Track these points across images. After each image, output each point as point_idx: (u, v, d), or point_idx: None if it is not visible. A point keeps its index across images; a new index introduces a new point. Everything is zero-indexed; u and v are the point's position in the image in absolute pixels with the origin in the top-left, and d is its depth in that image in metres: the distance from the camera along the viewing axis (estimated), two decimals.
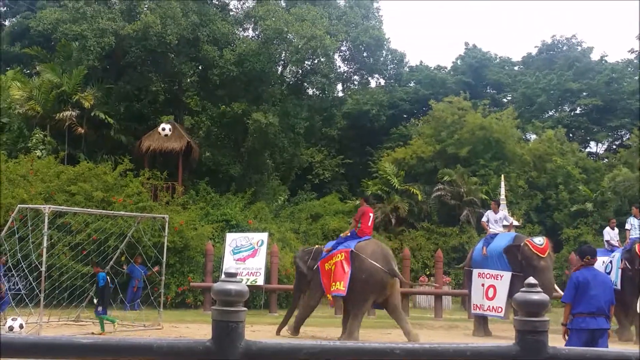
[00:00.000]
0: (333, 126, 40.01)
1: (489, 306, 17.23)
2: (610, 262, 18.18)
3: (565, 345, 8.88)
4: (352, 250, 15.39)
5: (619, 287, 17.38)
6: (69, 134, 29.38)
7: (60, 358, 3.14)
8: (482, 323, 17.84)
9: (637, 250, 17.45)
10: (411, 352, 3.32)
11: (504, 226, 19.01)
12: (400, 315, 15.74)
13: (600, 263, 16.97)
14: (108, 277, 16.46)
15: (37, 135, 28.54)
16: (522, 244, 16.67)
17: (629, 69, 41.37)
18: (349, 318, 15.55)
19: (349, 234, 16.06)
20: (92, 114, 29.92)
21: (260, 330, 16.76)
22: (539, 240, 16.83)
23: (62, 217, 20.38)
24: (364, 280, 15.04)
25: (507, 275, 16.90)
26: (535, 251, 16.35)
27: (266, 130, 30.82)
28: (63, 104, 29.45)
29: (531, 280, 3.70)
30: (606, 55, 43.81)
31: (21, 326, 14.67)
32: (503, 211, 20.14)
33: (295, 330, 16.19)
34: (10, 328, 14.23)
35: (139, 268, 21.26)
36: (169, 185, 28.88)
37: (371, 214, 16.24)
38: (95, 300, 16.44)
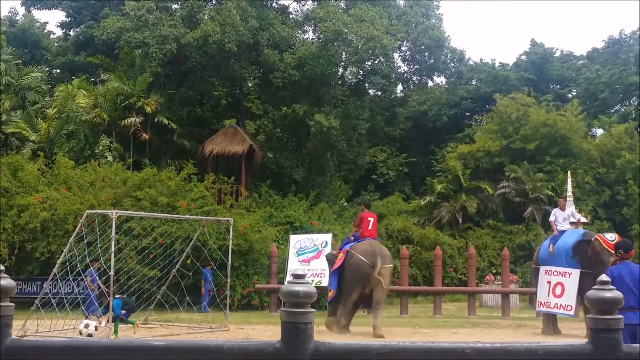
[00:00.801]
0: (395, 126, 39.87)
1: (557, 304, 16.96)
2: None
3: None
4: (348, 250, 17.25)
5: None
6: (134, 141, 29.88)
7: None
8: (551, 321, 17.58)
9: None
10: (482, 351, 3.28)
11: (572, 223, 18.70)
12: (378, 311, 17.06)
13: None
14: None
15: (103, 141, 29.07)
16: (592, 239, 16.39)
17: None
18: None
19: (352, 238, 17.77)
20: (156, 120, 30.39)
21: (326, 330, 16.78)
22: (611, 236, 16.50)
23: (129, 222, 20.69)
24: (351, 272, 17.00)
25: (575, 273, 16.62)
26: (606, 246, 16.03)
27: (328, 132, 30.86)
28: (127, 111, 29.96)
29: (604, 277, 3.63)
30: None
31: (96, 328, 15.01)
32: (570, 208, 19.85)
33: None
34: (85, 331, 14.70)
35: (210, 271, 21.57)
36: (233, 188, 29.13)
37: (370, 218, 17.77)
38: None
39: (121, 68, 31.93)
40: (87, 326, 14.96)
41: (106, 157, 27.93)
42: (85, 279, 18.52)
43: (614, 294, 3.50)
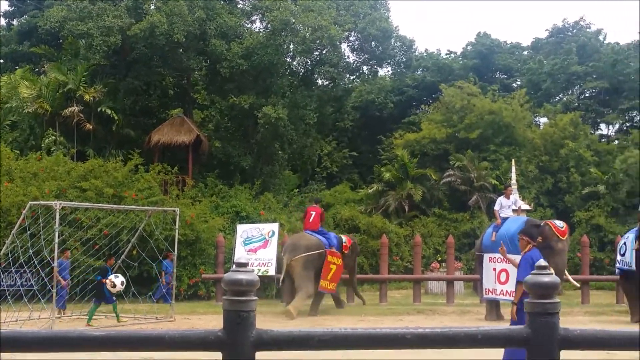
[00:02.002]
0: (344, 116, 39.95)
1: (502, 290, 17.20)
2: (625, 243, 18.10)
3: (513, 324, 9.11)
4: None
5: (633, 268, 17.35)
6: (77, 131, 29.47)
7: (72, 351, 3.15)
8: (494, 307, 17.86)
9: None
10: (423, 336, 3.31)
11: (514, 210, 19.01)
12: (297, 295, 18.68)
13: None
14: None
15: (50, 135, 28.60)
16: (542, 224, 16.66)
17: (635, 50, 41.08)
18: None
19: None
20: (99, 110, 30.00)
21: (272, 320, 16.82)
22: (560, 223, 16.89)
23: (74, 214, 20.44)
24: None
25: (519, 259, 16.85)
26: (555, 232, 16.36)
27: (276, 124, 30.77)
28: (69, 101, 29.52)
29: (542, 262, 3.69)
30: (606, 40, 43.33)
31: (122, 283, 16.29)
32: (514, 196, 20.13)
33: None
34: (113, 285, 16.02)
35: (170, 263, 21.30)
36: (179, 178, 28.94)
37: (313, 212, 19.78)
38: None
39: (65, 58, 31.43)
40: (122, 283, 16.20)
41: (52, 152, 27.39)
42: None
43: (552, 278, 3.56)
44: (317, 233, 19.55)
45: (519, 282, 9.52)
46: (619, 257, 18.39)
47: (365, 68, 37.29)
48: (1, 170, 24.02)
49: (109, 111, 30.10)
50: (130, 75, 32.45)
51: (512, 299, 16.96)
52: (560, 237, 16.43)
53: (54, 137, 28.56)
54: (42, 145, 28.29)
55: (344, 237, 20.67)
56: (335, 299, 20.77)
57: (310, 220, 19.55)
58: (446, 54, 47.55)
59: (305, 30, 30.59)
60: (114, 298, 17.05)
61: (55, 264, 16.28)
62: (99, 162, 25.38)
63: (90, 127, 29.59)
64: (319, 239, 19.25)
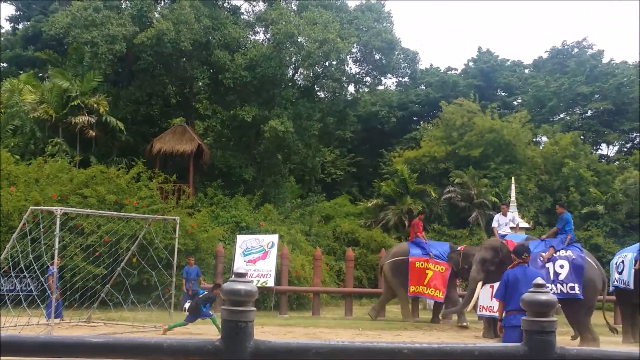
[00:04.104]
0: (346, 128, 40.03)
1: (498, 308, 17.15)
2: (623, 261, 18.02)
3: (505, 339, 9.37)
4: None
5: (631, 287, 17.28)
6: (80, 138, 29.47)
7: (71, 357, 3.17)
8: (491, 325, 17.80)
9: None
10: (419, 352, 3.34)
11: (511, 228, 19.02)
12: None
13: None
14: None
15: (56, 142, 28.52)
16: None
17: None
18: None
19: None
20: (103, 119, 30.00)
21: (270, 331, 16.81)
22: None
23: (75, 220, 20.46)
24: None
25: None
26: None
27: (282, 136, 30.69)
28: (76, 109, 29.48)
29: (539, 280, 3.72)
30: (613, 61, 43.41)
31: None
32: (512, 213, 20.17)
33: None
34: None
35: (194, 269, 21.26)
36: (177, 187, 28.95)
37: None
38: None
39: (69, 64, 31.43)
40: None
41: (56, 159, 27.25)
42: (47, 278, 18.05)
43: (548, 297, 3.58)
44: (411, 242, 21.75)
45: (496, 298, 9.70)
46: (616, 275, 18.30)
47: (368, 79, 37.28)
48: (2, 175, 24.07)
49: (113, 120, 30.09)
50: (134, 85, 32.46)
51: None
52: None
53: (58, 144, 28.49)
54: (46, 151, 28.24)
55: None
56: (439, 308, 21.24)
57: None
58: (446, 69, 47.72)
59: (311, 44, 30.53)
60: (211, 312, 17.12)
61: (55, 270, 16.28)
62: (101, 168, 25.43)
63: (94, 134, 29.58)
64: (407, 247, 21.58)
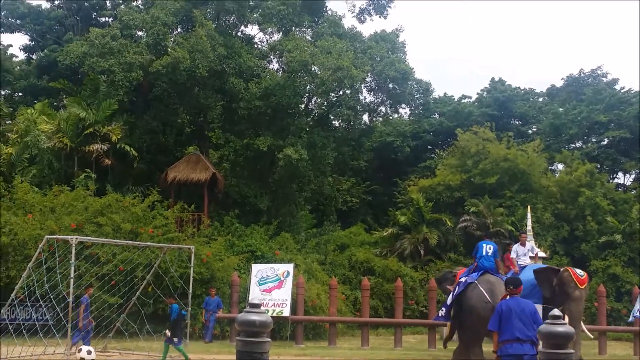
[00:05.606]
0: (360, 157, 39.97)
1: None
2: None
3: None
4: None
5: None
6: (96, 166, 29.59)
7: None
8: None
9: None
10: None
11: (530, 257, 18.91)
12: None
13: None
14: (180, 308, 16.65)
15: (85, 175, 28.50)
16: (561, 269, 16.62)
17: None
18: None
19: None
20: (118, 147, 30.14)
21: None
22: (580, 271, 16.77)
23: (90, 248, 20.48)
24: None
25: (537, 308, 16.72)
26: (574, 279, 16.25)
27: (296, 165, 30.70)
28: (91, 137, 29.64)
29: (556, 312, 3.70)
30: (632, 89, 43.32)
31: (89, 352, 14.31)
32: (530, 243, 20.05)
33: None
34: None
35: (214, 300, 21.26)
36: (194, 216, 28.97)
37: None
38: (168, 333, 16.39)
39: (85, 93, 31.65)
40: (89, 352, 14.42)
41: (87, 188, 27.15)
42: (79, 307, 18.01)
43: (566, 328, 3.56)
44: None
45: (490, 329, 9.83)
46: (638, 306, 18.18)
47: (382, 108, 37.32)
48: (18, 204, 24.19)
49: (128, 148, 30.22)
50: (149, 114, 32.65)
51: None
52: (579, 285, 16.31)
53: (87, 175, 28.45)
54: (74, 181, 28.18)
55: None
56: None
57: None
58: (460, 98, 47.84)
59: (325, 72, 30.54)
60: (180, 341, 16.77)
61: (88, 300, 16.25)
62: (116, 197, 25.50)
63: (109, 162, 29.70)
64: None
